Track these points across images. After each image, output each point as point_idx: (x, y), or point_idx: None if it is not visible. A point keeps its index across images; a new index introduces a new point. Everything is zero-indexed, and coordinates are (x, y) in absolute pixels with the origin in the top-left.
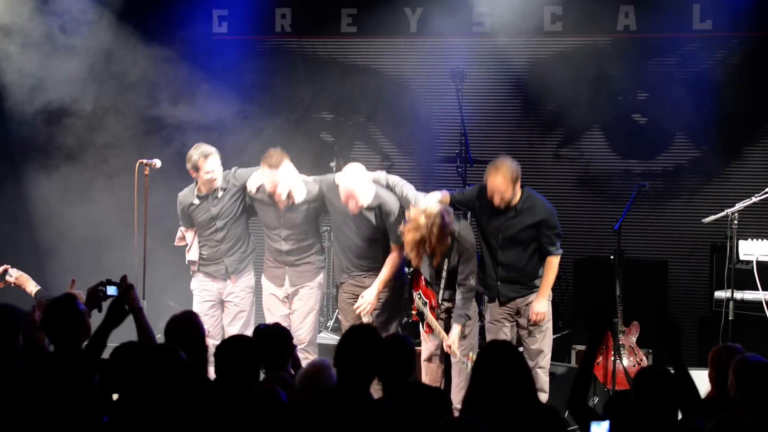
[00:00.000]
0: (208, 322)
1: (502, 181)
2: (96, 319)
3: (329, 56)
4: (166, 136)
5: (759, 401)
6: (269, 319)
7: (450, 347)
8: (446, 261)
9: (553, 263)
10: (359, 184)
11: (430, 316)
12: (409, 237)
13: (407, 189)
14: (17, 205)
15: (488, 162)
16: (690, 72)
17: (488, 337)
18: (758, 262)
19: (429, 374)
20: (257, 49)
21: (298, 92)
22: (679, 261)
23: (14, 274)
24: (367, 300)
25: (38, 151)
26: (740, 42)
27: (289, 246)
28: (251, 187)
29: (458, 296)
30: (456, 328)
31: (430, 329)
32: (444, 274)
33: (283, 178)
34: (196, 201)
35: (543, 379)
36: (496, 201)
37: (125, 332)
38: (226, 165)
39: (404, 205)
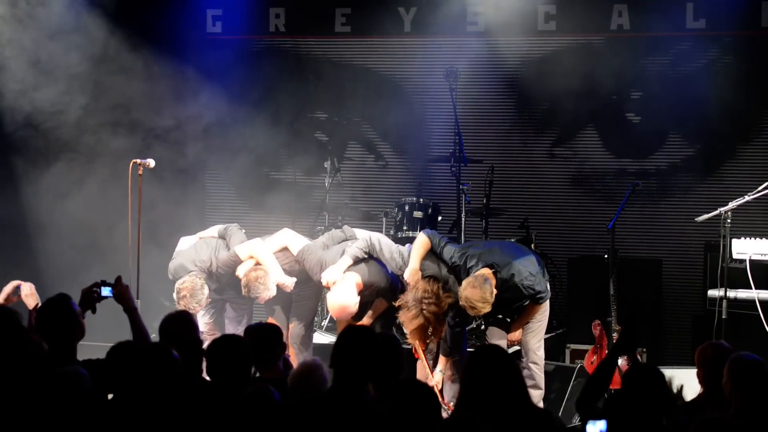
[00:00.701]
0: (204, 318)
1: (483, 305)
2: (90, 320)
3: (323, 56)
4: (161, 135)
5: (753, 399)
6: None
7: (437, 386)
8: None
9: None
10: (348, 301)
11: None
12: (411, 327)
13: (386, 251)
14: (9, 206)
15: (482, 161)
16: (683, 71)
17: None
18: (751, 261)
19: (422, 370)
20: (251, 48)
21: (293, 92)
22: (673, 260)
23: (26, 291)
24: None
25: (31, 151)
26: (733, 41)
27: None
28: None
29: (449, 332)
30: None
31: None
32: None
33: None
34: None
35: (538, 375)
36: (471, 313)
37: (122, 332)
38: (222, 165)
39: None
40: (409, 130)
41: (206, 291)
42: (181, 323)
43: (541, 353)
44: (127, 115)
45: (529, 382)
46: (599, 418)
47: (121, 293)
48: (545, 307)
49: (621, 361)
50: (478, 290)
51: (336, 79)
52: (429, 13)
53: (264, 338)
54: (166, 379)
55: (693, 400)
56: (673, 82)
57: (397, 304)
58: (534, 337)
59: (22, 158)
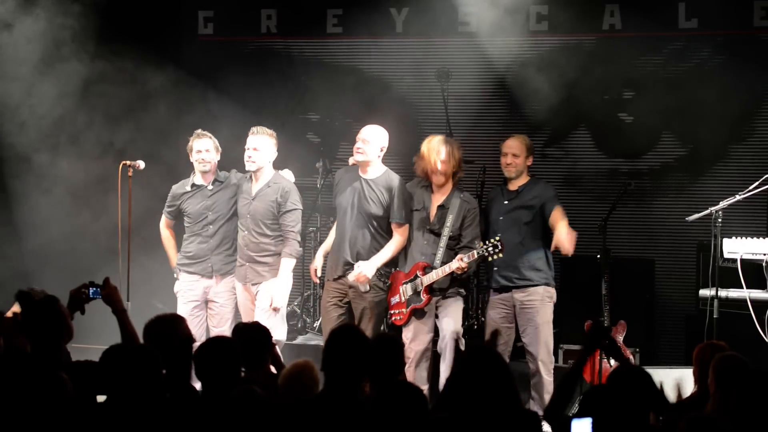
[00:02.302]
0: (193, 323)
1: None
2: (78, 321)
3: (315, 57)
4: (150, 137)
5: (740, 400)
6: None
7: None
8: (449, 218)
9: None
10: (379, 137)
11: (429, 276)
12: (419, 167)
13: None
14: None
15: (474, 161)
16: (676, 70)
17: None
18: (743, 260)
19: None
20: (243, 50)
21: (284, 93)
22: (665, 259)
23: None
24: (363, 271)
25: (22, 151)
26: (725, 40)
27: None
28: None
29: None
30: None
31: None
32: (446, 231)
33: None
34: (189, 189)
35: (546, 380)
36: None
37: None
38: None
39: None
40: (401, 130)
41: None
42: (167, 325)
43: (546, 360)
44: (117, 117)
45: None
46: (583, 416)
47: (110, 294)
48: (545, 313)
49: (614, 362)
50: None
51: (328, 80)
52: (421, 14)
53: (252, 338)
54: (150, 382)
55: (686, 399)
56: (665, 82)
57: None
58: (535, 341)
59: (12, 160)
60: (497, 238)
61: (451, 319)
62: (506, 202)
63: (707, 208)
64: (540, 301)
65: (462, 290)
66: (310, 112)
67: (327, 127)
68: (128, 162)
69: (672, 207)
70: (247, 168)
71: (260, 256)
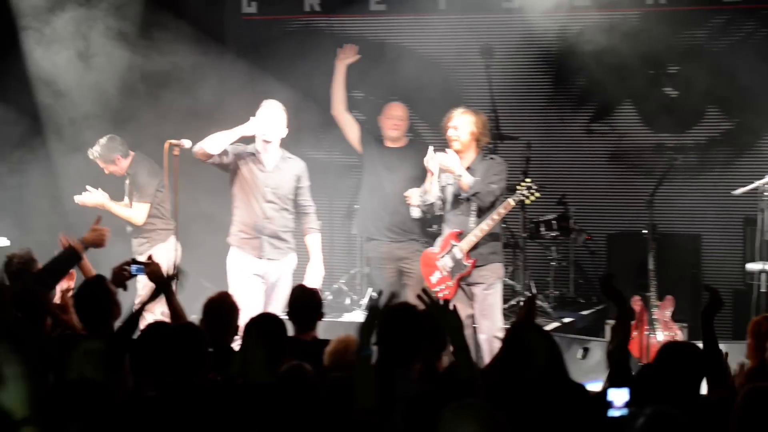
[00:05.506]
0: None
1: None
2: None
3: (359, 34)
4: (194, 116)
5: None
6: None
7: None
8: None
9: None
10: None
11: (467, 241)
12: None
13: None
14: (48, 184)
15: (519, 138)
16: (720, 44)
17: None
18: None
19: None
20: (286, 28)
21: (328, 71)
22: (712, 234)
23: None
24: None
25: (68, 129)
26: None
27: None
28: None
29: None
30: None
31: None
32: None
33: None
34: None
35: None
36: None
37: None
38: None
39: None
40: (445, 107)
41: None
42: (223, 305)
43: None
44: (161, 97)
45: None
46: (622, 387)
47: (154, 272)
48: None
49: (661, 336)
50: None
51: (371, 58)
52: None
53: (306, 302)
54: (194, 361)
55: (745, 372)
56: (710, 56)
57: None
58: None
59: (58, 136)
60: (528, 180)
61: (489, 319)
62: None
63: (753, 182)
64: None
65: (501, 267)
66: (354, 90)
67: (371, 105)
68: (173, 141)
69: (718, 181)
70: (266, 138)
71: (283, 232)
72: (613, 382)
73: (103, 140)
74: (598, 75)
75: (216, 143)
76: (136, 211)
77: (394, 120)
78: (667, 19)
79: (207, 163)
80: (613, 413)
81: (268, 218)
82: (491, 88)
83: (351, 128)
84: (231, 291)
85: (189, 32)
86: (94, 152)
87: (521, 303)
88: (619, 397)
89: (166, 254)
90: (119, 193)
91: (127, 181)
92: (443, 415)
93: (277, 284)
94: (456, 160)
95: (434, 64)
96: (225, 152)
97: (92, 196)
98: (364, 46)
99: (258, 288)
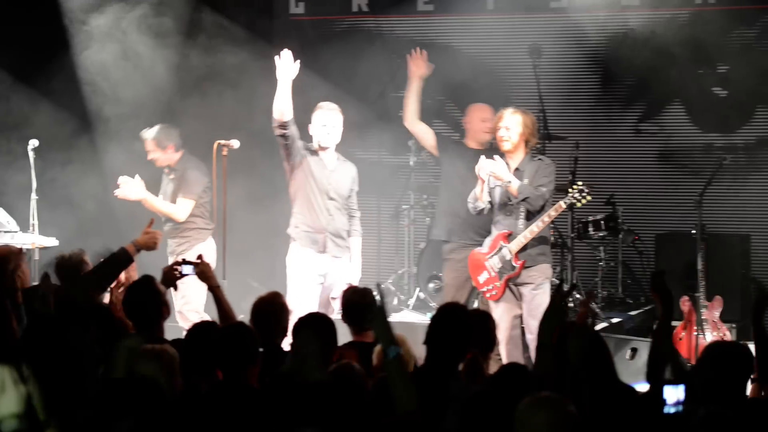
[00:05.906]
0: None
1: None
2: None
3: (406, 35)
4: (243, 117)
5: None
6: None
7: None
8: (525, 181)
9: None
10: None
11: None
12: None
13: None
14: (96, 184)
15: (568, 138)
16: None
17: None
18: None
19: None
20: (334, 29)
21: (376, 71)
22: (762, 234)
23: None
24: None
25: (115, 129)
26: None
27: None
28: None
29: None
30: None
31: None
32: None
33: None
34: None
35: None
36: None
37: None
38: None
39: None
40: (493, 107)
41: None
42: (272, 305)
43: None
44: (209, 97)
45: None
46: (677, 384)
47: (204, 272)
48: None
49: (710, 337)
50: None
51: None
52: None
53: (358, 304)
54: (245, 360)
55: None
56: (760, 55)
57: None
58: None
59: (109, 137)
60: (580, 183)
61: (537, 319)
62: None
63: None
64: None
65: (549, 267)
66: (402, 91)
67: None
68: (222, 141)
69: (767, 181)
70: (323, 143)
71: (343, 230)
72: (658, 379)
73: (161, 125)
74: (646, 74)
75: (280, 107)
76: (179, 207)
77: (488, 123)
78: (716, 18)
79: (278, 133)
80: (667, 410)
81: (331, 215)
82: (539, 88)
83: (426, 136)
84: (290, 288)
85: (237, 32)
86: (150, 133)
87: (575, 304)
88: (674, 394)
89: (207, 254)
90: (151, 187)
91: (171, 176)
92: (519, 407)
93: (333, 286)
94: (504, 166)
95: (482, 64)
96: (293, 121)
97: (132, 190)
98: (411, 47)
99: (316, 289)
